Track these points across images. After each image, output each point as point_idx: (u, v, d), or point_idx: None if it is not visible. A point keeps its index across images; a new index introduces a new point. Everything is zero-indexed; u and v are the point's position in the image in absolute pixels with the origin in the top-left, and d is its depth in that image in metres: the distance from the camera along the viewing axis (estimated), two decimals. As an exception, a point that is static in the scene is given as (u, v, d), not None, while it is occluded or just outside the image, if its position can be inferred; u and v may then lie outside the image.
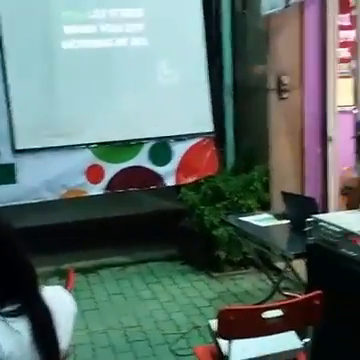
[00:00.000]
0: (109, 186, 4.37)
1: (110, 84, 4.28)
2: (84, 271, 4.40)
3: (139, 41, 4.33)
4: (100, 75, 4.26)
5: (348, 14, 4.21)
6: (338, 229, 2.14)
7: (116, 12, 4.27)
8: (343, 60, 4.24)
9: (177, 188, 4.57)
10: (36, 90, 4.14)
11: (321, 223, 2.25)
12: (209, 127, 4.48)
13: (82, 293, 4.00)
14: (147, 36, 4.33)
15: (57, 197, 4.30)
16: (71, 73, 4.21)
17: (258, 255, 3.73)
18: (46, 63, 4.15)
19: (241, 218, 3.52)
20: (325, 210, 3.90)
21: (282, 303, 2.07)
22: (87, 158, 4.30)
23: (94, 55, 4.26)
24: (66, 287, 2.16)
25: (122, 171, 4.38)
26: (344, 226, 2.13)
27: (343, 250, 2.10)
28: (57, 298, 1.74)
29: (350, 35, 4.16)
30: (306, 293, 2.16)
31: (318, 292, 1.99)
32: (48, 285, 1.81)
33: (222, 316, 1.95)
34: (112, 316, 3.63)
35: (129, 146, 4.39)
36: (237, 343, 2.01)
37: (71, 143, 4.23)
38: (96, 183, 4.35)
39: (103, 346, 3.24)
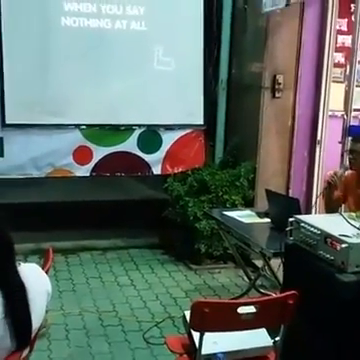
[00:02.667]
0: (96, 169, 4.37)
1: (106, 66, 4.26)
2: (64, 252, 4.41)
3: (138, 25, 4.30)
4: (96, 56, 4.23)
5: (346, 19, 4.22)
6: (318, 231, 2.16)
7: (118, -7, 4.23)
8: (337, 65, 4.26)
9: (164, 178, 4.58)
10: (31, 65, 4.11)
11: (302, 224, 2.27)
12: (200, 119, 4.49)
13: (61, 274, 4.02)
14: (147, 21, 4.30)
15: (43, 175, 4.30)
16: (67, 51, 4.17)
17: (238, 251, 3.76)
18: (43, 39, 4.12)
19: (224, 213, 3.55)
20: (308, 212, 3.94)
21: (257, 300, 2.10)
22: (76, 139, 4.29)
23: (92, 35, 4.23)
24: (44, 266, 2.16)
25: (110, 155, 4.37)
26: (324, 229, 2.14)
27: (321, 253, 2.13)
28: (33, 276, 1.75)
29: (346, 40, 4.18)
30: (281, 292, 2.19)
31: (293, 292, 2.02)
32: (28, 263, 1.81)
33: (196, 308, 1.96)
34: (88, 299, 3.64)
35: (119, 130, 4.38)
36: (209, 336, 2.03)
37: (61, 122, 4.22)
38: (83, 165, 4.34)
39: (77, 328, 3.25)
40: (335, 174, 3.18)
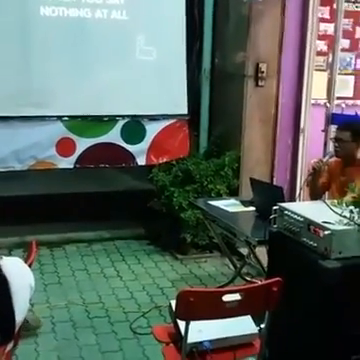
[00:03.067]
0: (79, 160, 4.33)
1: (87, 56, 4.19)
2: (50, 245, 4.38)
3: (119, 14, 4.23)
4: (77, 46, 4.16)
5: (328, 7, 4.23)
6: (301, 219, 2.18)
7: (98, -19, 4.16)
8: (319, 53, 4.27)
9: (149, 168, 4.56)
10: (10, 56, 4.02)
11: (286, 212, 2.28)
12: (184, 109, 4.47)
13: (46, 267, 3.99)
14: (127, 10, 4.24)
15: (26, 168, 4.24)
16: (47, 41, 4.09)
17: (223, 240, 3.78)
18: (23, 29, 4.03)
19: (209, 202, 3.56)
20: (292, 200, 3.97)
21: (241, 287, 2.11)
22: (58, 130, 4.24)
23: (72, 24, 4.15)
24: (27, 260, 2.14)
25: (94, 146, 4.33)
26: (307, 216, 2.16)
27: (304, 240, 2.14)
28: (15, 270, 1.74)
29: (329, 28, 4.19)
30: (266, 279, 2.20)
31: (277, 279, 2.03)
32: (12, 256, 1.79)
33: (181, 297, 1.97)
34: (74, 291, 3.63)
35: (102, 121, 4.34)
36: (195, 324, 2.04)
37: (43, 114, 4.15)
38: (66, 156, 4.30)
39: (63, 320, 3.24)
40: (320, 161, 3.21)
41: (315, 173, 3.20)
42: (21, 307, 1.73)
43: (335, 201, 2.11)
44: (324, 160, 3.22)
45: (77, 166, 4.35)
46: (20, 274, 1.77)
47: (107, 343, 3.01)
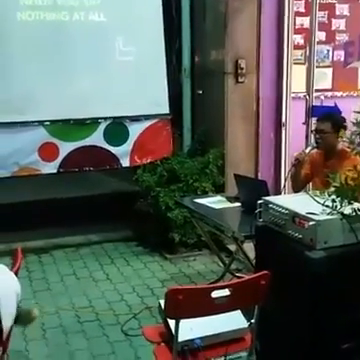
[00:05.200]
0: (63, 165, 4.31)
1: (66, 60, 4.18)
2: (37, 251, 4.35)
3: (96, 16, 4.22)
4: (56, 50, 4.14)
5: (303, 0, 4.26)
6: (286, 211, 2.18)
7: (74, -16, 4.15)
8: (297, 46, 4.30)
9: (133, 169, 4.55)
10: (-12, 63, 3.99)
11: (270, 205, 2.28)
12: (166, 109, 4.47)
13: (34, 273, 3.96)
14: (105, 11, 4.23)
15: (9, 175, 4.21)
16: (26, 46, 4.07)
17: (211, 237, 3.78)
18: (0, 35, 3.98)
19: (195, 200, 3.56)
20: (277, 193, 3.98)
21: (230, 283, 2.11)
22: (40, 136, 4.21)
23: (50, 28, 4.13)
24: (13, 267, 2.12)
25: (77, 150, 4.31)
26: (292, 208, 2.16)
27: (290, 232, 2.15)
28: (0, 278, 1.72)
29: (305, 22, 4.22)
30: (254, 274, 2.20)
31: (265, 272, 2.04)
32: (-1, 264, 1.77)
33: (170, 296, 1.96)
34: (64, 297, 3.60)
35: (84, 124, 4.32)
36: (185, 323, 2.04)
37: (24, 120, 4.12)
38: (50, 161, 4.28)
39: (54, 326, 3.22)
40: (303, 151, 3.26)
41: (298, 164, 3.23)
42: (8, 314, 1.72)
43: (317, 192, 2.12)
44: (306, 151, 3.26)
45: (61, 170, 4.33)
46: (5, 282, 1.75)
47: (99, 347, 2.99)
